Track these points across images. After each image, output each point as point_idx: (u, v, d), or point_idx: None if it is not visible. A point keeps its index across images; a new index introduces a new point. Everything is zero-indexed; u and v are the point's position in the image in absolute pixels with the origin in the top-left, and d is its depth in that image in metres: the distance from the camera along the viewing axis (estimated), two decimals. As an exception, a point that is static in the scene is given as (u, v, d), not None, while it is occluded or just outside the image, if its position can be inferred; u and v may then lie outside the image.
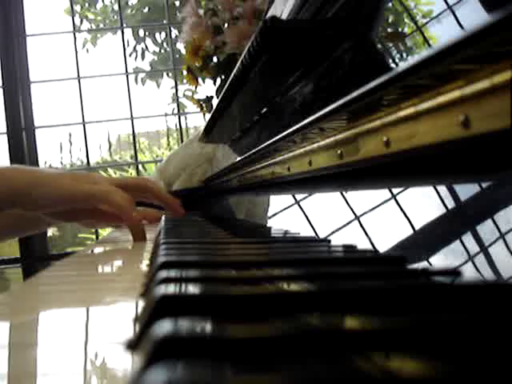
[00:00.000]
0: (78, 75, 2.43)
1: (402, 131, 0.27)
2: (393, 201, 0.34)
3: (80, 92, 2.40)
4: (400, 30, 0.35)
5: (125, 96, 2.43)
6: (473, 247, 0.25)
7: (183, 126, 2.90)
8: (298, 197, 0.54)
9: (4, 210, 0.68)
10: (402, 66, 0.24)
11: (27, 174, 0.65)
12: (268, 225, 0.63)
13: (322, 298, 0.20)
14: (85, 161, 2.54)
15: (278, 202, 0.64)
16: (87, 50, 3.88)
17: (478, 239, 0.25)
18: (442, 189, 0.29)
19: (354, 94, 0.30)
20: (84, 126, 2.42)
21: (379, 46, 0.37)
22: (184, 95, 2.59)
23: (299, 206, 0.53)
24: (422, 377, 0.13)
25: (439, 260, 0.27)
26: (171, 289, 0.21)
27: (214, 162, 1.32)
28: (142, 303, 0.25)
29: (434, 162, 0.27)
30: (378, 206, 0.36)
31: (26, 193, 0.63)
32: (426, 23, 0.31)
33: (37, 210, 0.66)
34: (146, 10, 4.05)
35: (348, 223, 0.40)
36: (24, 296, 0.32)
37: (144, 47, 4.15)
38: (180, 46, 2.47)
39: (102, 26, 4.24)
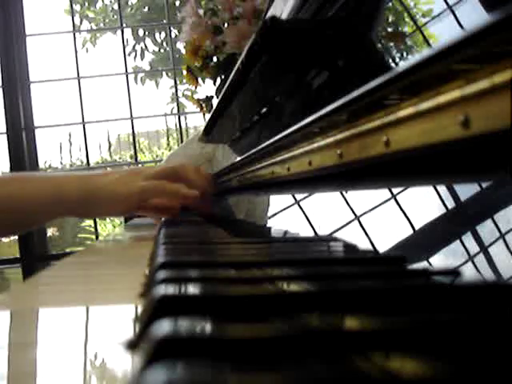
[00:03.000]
0: (78, 75, 2.43)
1: (402, 131, 0.27)
2: (393, 201, 0.34)
3: (80, 92, 2.40)
4: (400, 29, 0.35)
5: (124, 96, 2.43)
6: (473, 247, 0.25)
7: (183, 125, 2.91)
8: (298, 197, 0.54)
9: (54, 217, 0.69)
10: (402, 65, 0.24)
11: (78, 181, 0.66)
12: (268, 225, 0.63)
13: (321, 298, 0.20)
14: (84, 161, 2.54)
15: (278, 202, 0.64)
16: (87, 50, 3.88)
17: (478, 239, 0.25)
18: (442, 189, 0.29)
19: (354, 93, 0.30)
20: (84, 125, 2.42)
21: (379, 45, 0.37)
22: (183, 95, 2.59)
23: (299, 206, 0.53)
24: (422, 377, 0.13)
25: (439, 260, 0.27)
26: (171, 289, 0.21)
27: (214, 161, 1.32)
28: (141, 303, 0.25)
29: (434, 162, 0.27)
30: (378, 206, 0.36)
31: (76, 201, 0.65)
32: (426, 23, 0.31)
33: (91, 217, 0.69)
34: (145, 9, 4.05)
35: (348, 223, 0.40)
36: (24, 296, 0.32)
37: (143, 47, 4.15)
38: (180, 45, 2.47)
39: (101, 25, 4.24)
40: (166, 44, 4.02)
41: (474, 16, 0.25)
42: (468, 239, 0.26)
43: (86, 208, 0.66)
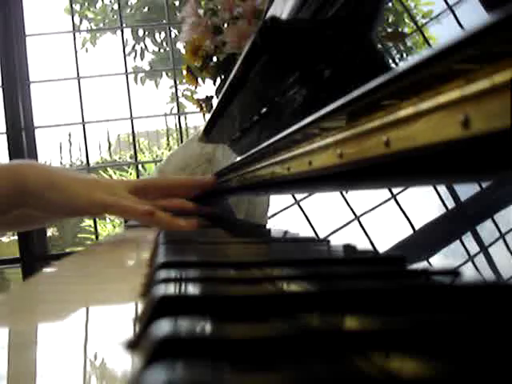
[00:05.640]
0: (78, 75, 2.43)
1: (402, 131, 0.27)
2: (393, 201, 0.34)
3: (80, 92, 2.40)
4: (400, 29, 0.35)
5: (124, 96, 2.43)
6: (473, 247, 0.25)
7: (183, 125, 2.91)
8: (298, 197, 0.54)
9: (12, 210, 0.66)
10: (402, 65, 0.24)
11: (43, 173, 0.62)
12: (268, 225, 0.63)
13: (321, 299, 0.20)
14: (84, 161, 2.54)
15: (278, 202, 0.64)
16: (86, 50, 3.89)
17: (478, 239, 0.25)
18: (442, 189, 0.29)
19: (354, 93, 0.30)
20: (83, 125, 2.42)
21: (379, 45, 0.37)
22: (183, 95, 2.59)
23: (299, 206, 0.53)
24: (421, 377, 0.13)
25: (439, 260, 0.27)
26: (171, 289, 0.21)
27: (213, 161, 1.32)
28: (141, 303, 0.25)
29: (434, 162, 0.27)
30: (378, 206, 0.36)
31: (39, 194, 0.61)
32: (426, 23, 0.31)
33: (47, 213, 0.65)
34: (145, 9, 4.05)
35: (348, 223, 0.40)
36: (24, 296, 0.32)
37: (143, 47, 4.15)
38: (180, 45, 2.47)
39: (101, 25, 4.24)
40: (166, 44, 4.02)
41: (474, 16, 0.25)
42: (468, 239, 0.26)
43: (45, 202, 0.62)
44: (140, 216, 0.63)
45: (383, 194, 0.35)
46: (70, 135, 4.57)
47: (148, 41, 4.14)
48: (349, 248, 0.36)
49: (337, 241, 0.40)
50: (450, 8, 0.27)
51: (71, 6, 2.63)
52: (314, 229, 0.48)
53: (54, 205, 0.62)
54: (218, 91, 1.32)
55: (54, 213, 0.64)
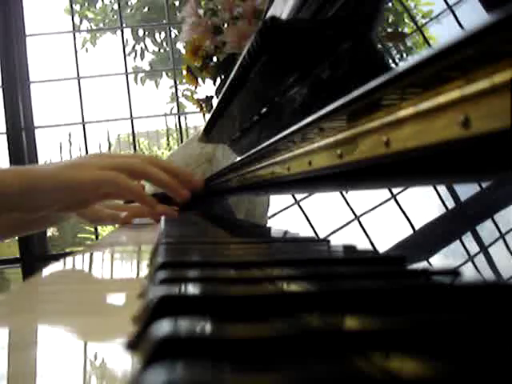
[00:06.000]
0: (78, 75, 2.43)
1: (401, 131, 0.27)
2: (393, 201, 0.34)
3: (80, 92, 2.40)
4: (400, 29, 0.35)
5: (124, 96, 2.43)
6: (473, 247, 0.25)
7: (183, 125, 2.91)
8: (298, 197, 0.54)
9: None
10: (402, 65, 0.24)
11: (20, 174, 0.59)
12: (268, 225, 0.63)
13: (321, 298, 0.20)
14: (84, 161, 2.54)
15: (277, 202, 0.64)
16: (86, 50, 3.89)
17: (478, 239, 0.25)
18: (442, 189, 0.29)
19: (354, 93, 0.30)
20: (84, 125, 2.42)
21: (379, 45, 0.37)
22: (183, 95, 2.59)
23: (299, 206, 0.53)
24: (421, 377, 0.13)
25: (439, 260, 0.27)
26: (171, 289, 0.21)
27: (213, 161, 1.32)
28: (141, 303, 0.25)
29: (433, 162, 0.27)
30: (377, 206, 0.36)
31: (19, 195, 0.58)
32: (426, 23, 0.31)
33: (39, 211, 0.62)
34: (145, 9, 4.05)
35: (348, 223, 0.40)
36: (24, 296, 0.32)
37: (143, 47, 4.15)
38: (180, 45, 2.47)
39: (101, 25, 4.24)
40: (166, 44, 4.02)
41: (474, 16, 0.25)
42: (468, 239, 0.26)
43: (30, 201, 0.58)
44: (136, 194, 0.61)
45: (383, 194, 0.35)
46: (70, 135, 4.57)
47: (148, 41, 4.14)
48: (349, 248, 0.36)
49: (337, 241, 0.40)
50: (450, 8, 0.27)
51: (71, 6, 2.63)
52: (314, 229, 0.48)
53: (41, 200, 0.59)
54: (217, 91, 1.32)
55: (45, 208, 0.62)
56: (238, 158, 0.78)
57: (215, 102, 1.34)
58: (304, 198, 0.53)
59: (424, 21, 0.31)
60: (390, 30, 0.36)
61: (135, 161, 0.65)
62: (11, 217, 0.72)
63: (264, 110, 0.69)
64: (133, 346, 0.18)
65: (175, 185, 0.66)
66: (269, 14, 0.74)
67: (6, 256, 2.43)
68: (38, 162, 2.39)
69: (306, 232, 0.48)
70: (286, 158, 0.49)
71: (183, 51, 1.40)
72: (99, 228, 2.76)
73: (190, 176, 0.71)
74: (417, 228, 0.31)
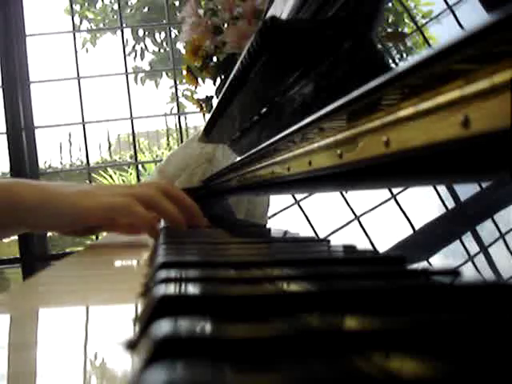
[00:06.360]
0: (78, 75, 2.43)
1: (401, 131, 0.27)
2: (393, 201, 0.34)
3: (80, 92, 2.40)
4: (400, 29, 0.35)
5: (124, 96, 2.43)
6: (473, 247, 0.25)
7: (183, 126, 2.91)
8: (298, 197, 0.54)
9: (6, 230, 0.62)
10: (402, 65, 0.24)
11: (35, 188, 0.59)
12: (268, 225, 0.63)
13: (321, 298, 0.20)
14: (84, 161, 2.54)
15: (277, 202, 0.64)
16: (87, 50, 3.89)
17: (478, 239, 0.25)
18: (442, 189, 0.29)
19: (354, 93, 0.30)
20: (84, 125, 2.42)
21: (379, 45, 0.37)
22: (183, 95, 2.59)
23: (299, 206, 0.53)
24: (421, 377, 0.13)
25: (439, 260, 0.27)
26: (171, 289, 0.21)
27: (214, 161, 1.32)
28: (141, 303, 0.25)
29: (433, 162, 0.27)
30: (377, 206, 0.36)
31: (32, 209, 0.57)
32: (426, 23, 0.31)
33: (44, 229, 0.60)
34: (145, 9, 4.05)
35: (348, 223, 0.40)
36: (24, 296, 0.32)
37: (143, 47, 4.15)
38: (180, 45, 2.47)
39: (101, 25, 4.24)
40: (166, 44, 4.02)
41: (474, 16, 0.25)
42: (468, 239, 0.26)
43: (37, 218, 0.58)
44: (148, 225, 0.60)
45: (383, 194, 0.35)
46: (70, 135, 4.57)
47: (148, 41, 4.14)
48: (349, 248, 0.36)
49: (337, 241, 0.40)
50: (450, 8, 0.27)
51: (71, 6, 2.63)
52: (314, 229, 0.48)
53: (53, 218, 0.58)
54: (217, 91, 1.32)
55: (51, 228, 0.61)
56: (238, 158, 0.78)
57: (215, 101, 1.34)
58: (304, 197, 0.53)
59: (424, 21, 0.31)
60: (389, 30, 0.36)
61: (151, 192, 0.64)
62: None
63: (264, 110, 0.69)
64: (133, 345, 0.18)
65: (180, 221, 0.65)
66: (269, 14, 0.74)
67: (6, 256, 2.43)
68: (38, 162, 2.39)
69: (305, 232, 0.48)
70: (286, 158, 0.49)
71: (183, 51, 1.40)
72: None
73: (197, 213, 0.69)
74: (417, 228, 0.31)
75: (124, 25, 3.20)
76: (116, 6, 3.92)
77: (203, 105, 1.43)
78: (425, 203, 0.31)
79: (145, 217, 0.58)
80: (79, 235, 0.67)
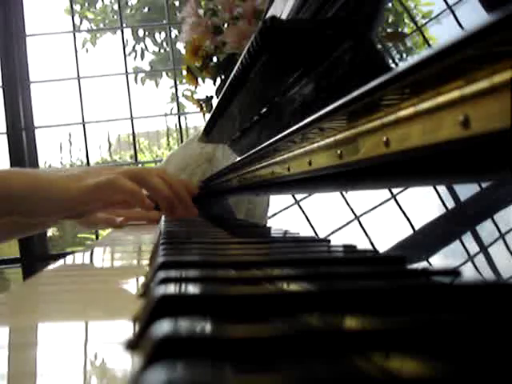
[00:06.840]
0: (78, 75, 2.43)
1: (401, 131, 0.27)
2: (393, 201, 0.34)
3: (80, 92, 2.40)
4: (400, 29, 0.35)
5: (124, 96, 2.42)
6: (473, 247, 0.25)
7: (183, 126, 2.90)
8: (298, 197, 0.54)
9: (2, 219, 0.63)
10: (402, 65, 0.24)
11: (26, 175, 0.59)
12: (268, 225, 0.63)
13: (321, 298, 0.20)
14: (85, 161, 2.54)
15: (277, 202, 0.64)
16: (87, 50, 3.89)
17: (478, 239, 0.25)
18: (442, 189, 0.29)
19: (354, 93, 0.30)
20: (84, 126, 2.42)
21: (379, 45, 0.37)
22: (183, 95, 2.59)
23: (299, 206, 0.53)
24: (422, 377, 0.13)
25: (439, 260, 0.27)
26: (171, 289, 0.21)
27: (214, 161, 1.32)
28: (141, 303, 0.25)
29: (433, 162, 0.27)
30: (377, 205, 0.36)
31: (24, 196, 0.58)
32: (426, 23, 0.31)
33: (38, 216, 0.61)
34: (145, 9, 4.05)
35: (348, 223, 0.40)
36: (24, 296, 0.32)
37: (143, 47, 4.15)
38: (180, 45, 2.47)
39: (101, 25, 4.24)
40: (166, 44, 4.02)
41: (474, 16, 0.25)
42: (468, 239, 0.26)
43: (29, 205, 0.59)
44: (137, 196, 0.60)
45: (383, 194, 0.35)
46: (70, 135, 4.56)
47: (148, 41, 4.14)
48: (349, 248, 0.36)
49: (337, 241, 0.40)
50: (450, 8, 0.27)
51: (71, 6, 2.63)
52: (314, 229, 0.48)
53: (43, 205, 0.59)
54: (218, 91, 1.32)
55: (44, 215, 0.62)
56: (238, 158, 0.78)
57: (215, 101, 1.34)
58: (304, 198, 0.53)
59: (424, 21, 0.31)
60: (389, 30, 0.36)
61: (139, 169, 0.64)
62: (9, 220, 0.72)
63: (264, 109, 0.69)
64: (133, 345, 0.18)
65: (171, 200, 0.65)
66: (269, 14, 0.74)
67: (6, 256, 2.43)
68: (38, 162, 2.39)
69: (306, 232, 0.48)
70: (286, 158, 0.49)
71: (183, 51, 1.40)
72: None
73: (188, 200, 0.69)
74: (417, 228, 0.31)
75: (124, 25, 3.20)
76: (116, 6, 3.92)
77: (203, 105, 1.43)
78: (425, 203, 0.31)
79: (132, 189, 0.59)
80: (78, 220, 0.67)
